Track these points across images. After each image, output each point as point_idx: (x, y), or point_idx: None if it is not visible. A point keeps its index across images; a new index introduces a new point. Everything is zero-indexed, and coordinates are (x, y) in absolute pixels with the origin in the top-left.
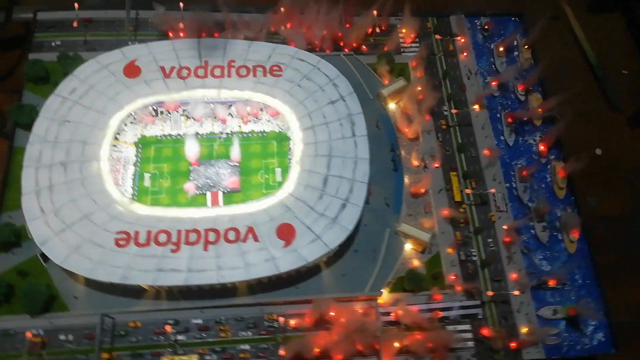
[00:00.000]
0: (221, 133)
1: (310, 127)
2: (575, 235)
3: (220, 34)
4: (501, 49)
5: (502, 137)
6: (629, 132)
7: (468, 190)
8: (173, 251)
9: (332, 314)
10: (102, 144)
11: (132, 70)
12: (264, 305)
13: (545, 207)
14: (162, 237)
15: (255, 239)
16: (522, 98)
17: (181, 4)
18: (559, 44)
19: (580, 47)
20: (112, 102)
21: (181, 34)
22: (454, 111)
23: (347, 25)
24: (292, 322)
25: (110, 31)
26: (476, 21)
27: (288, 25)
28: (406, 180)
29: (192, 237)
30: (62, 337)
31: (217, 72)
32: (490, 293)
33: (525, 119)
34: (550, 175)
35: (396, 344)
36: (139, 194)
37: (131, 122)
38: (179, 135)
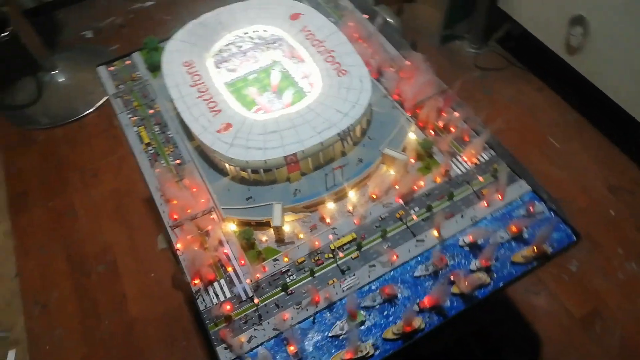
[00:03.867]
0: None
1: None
2: None
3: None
4: (513, 228)
5: (418, 265)
6: None
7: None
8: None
9: None
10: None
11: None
12: None
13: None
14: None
15: None
16: (475, 268)
17: None
18: None
19: None
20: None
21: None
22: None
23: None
24: None
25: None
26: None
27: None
28: (330, 206)
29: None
30: None
31: (311, 42)
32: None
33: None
34: None
35: None
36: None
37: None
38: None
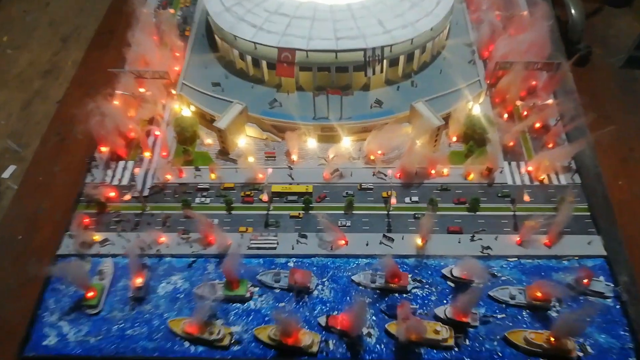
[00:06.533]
0: None
1: None
2: None
3: None
4: (537, 292)
5: (366, 267)
6: None
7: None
8: None
9: None
10: None
11: None
12: None
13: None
14: None
15: None
16: (443, 316)
17: None
18: None
19: None
20: None
21: None
22: None
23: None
24: None
25: None
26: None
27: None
28: (310, 143)
29: None
30: None
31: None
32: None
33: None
34: None
35: None
36: None
37: None
38: None
